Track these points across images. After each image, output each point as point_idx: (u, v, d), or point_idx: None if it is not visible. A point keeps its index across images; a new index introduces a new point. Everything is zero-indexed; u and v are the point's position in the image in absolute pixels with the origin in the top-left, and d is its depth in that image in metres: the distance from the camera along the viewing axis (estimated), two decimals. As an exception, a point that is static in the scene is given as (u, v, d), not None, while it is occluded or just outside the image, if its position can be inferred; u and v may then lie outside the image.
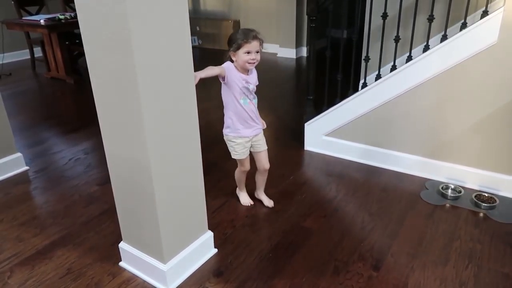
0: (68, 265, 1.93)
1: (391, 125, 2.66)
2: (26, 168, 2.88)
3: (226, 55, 2.05)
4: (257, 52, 1.98)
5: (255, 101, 2.14)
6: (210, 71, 1.95)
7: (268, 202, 2.37)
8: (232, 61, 2.03)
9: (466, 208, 2.29)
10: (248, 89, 2.06)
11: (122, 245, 1.89)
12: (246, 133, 2.13)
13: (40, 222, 2.28)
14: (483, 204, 2.27)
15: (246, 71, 2.05)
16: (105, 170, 1.75)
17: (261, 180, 2.36)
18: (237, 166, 2.29)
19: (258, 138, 2.19)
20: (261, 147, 2.22)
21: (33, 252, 2.02)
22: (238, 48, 1.96)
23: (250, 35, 1.95)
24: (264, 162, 2.25)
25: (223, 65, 2.02)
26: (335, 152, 2.94)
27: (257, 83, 2.15)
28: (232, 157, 2.19)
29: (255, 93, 2.14)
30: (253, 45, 1.95)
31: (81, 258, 1.98)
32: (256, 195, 2.43)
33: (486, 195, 2.35)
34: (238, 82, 2.02)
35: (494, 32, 2.15)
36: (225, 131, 2.16)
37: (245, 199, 2.39)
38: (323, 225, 2.20)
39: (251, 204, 2.37)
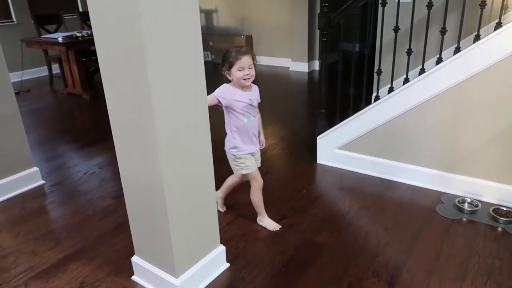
0: (82, 279, 1.94)
1: (405, 138, 2.63)
2: (43, 182, 2.93)
3: (223, 77, 2.07)
4: (250, 67, 2.00)
5: (259, 115, 2.16)
6: None
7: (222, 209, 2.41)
8: (229, 81, 2.05)
9: (484, 222, 2.24)
10: (252, 105, 2.07)
11: (135, 259, 1.90)
12: (251, 149, 2.15)
13: (55, 236, 2.30)
14: (502, 218, 2.22)
15: (245, 87, 2.06)
16: (119, 184, 1.77)
17: (232, 186, 2.38)
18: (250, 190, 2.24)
19: (258, 154, 2.23)
20: (258, 163, 2.24)
21: (48, 266, 2.04)
22: (231, 66, 1.99)
23: (240, 51, 1.99)
24: (257, 177, 2.24)
25: (214, 93, 2.02)
26: (348, 165, 2.92)
27: (259, 100, 2.16)
28: (243, 173, 2.17)
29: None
30: (244, 60, 1.98)
31: (94, 272, 1.99)
32: (220, 197, 2.41)
33: (505, 209, 2.29)
34: (242, 100, 2.03)
35: (508, 44, 2.12)
36: (231, 151, 2.14)
37: (272, 224, 2.28)
38: (337, 240, 2.17)
39: (279, 228, 2.27)
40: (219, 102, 2.03)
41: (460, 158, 2.47)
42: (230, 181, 2.35)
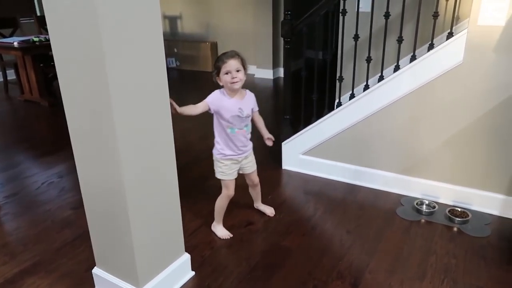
0: (39, 294, 1.86)
1: (366, 143, 2.71)
2: (-4, 193, 2.79)
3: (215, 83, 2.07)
4: (238, 71, 1.98)
5: (247, 128, 2.11)
6: (192, 110, 1.97)
7: (269, 211, 2.46)
8: (222, 86, 2.05)
9: (441, 223, 2.34)
10: (239, 117, 2.04)
11: (96, 270, 1.84)
12: (233, 156, 2.12)
13: (10, 249, 2.19)
14: (457, 218, 2.32)
15: (236, 93, 2.05)
16: (79, 193, 1.71)
17: (255, 193, 2.45)
18: (218, 195, 2.21)
19: (247, 161, 2.20)
20: (250, 168, 2.25)
21: (2, 281, 1.94)
22: (219, 71, 1.99)
23: (226, 55, 1.98)
24: (253, 178, 2.32)
25: (206, 100, 2.02)
26: (313, 170, 2.97)
27: (257, 108, 2.17)
28: (217, 176, 2.16)
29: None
30: (230, 63, 1.96)
31: (53, 286, 1.91)
32: (256, 207, 2.49)
33: (459, 209, 2.41)
34: (230, 109, 2.02)
35: (459, 53, 2.25)
36: (214, 151, 2.15)
37: (222, 232, 2.26)
38: (302, 244, 2.20)
39: (230, 237, 2.24)
40: (209, 108, 2.02)
41: (417, 161, 2.57)
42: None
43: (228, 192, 2.18)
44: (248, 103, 2.10)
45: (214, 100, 2.02)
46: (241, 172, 2.23)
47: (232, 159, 2.12)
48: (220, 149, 2.11)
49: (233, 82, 1.98)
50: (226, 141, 2.08)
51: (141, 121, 1.54)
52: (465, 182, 2.46)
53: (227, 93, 2.04)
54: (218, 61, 2.00)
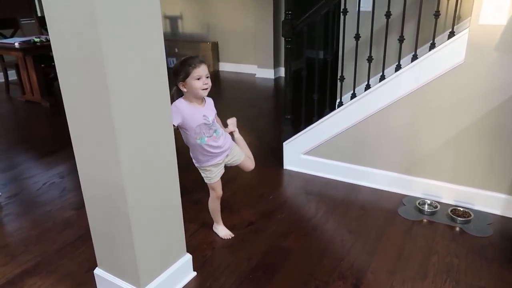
0: (40, 295, 1.86)
1: (367, 142, 2.70)
2: (-2, 194, 2.79)
3: (172, 92, 1.85)
4: (207, 77, 1.90)
5: (216, 133, 2.01)
6: None
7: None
8: (181, 95, 1.94)
9: (443, 223, 2.33)
10: (205, 124, 1.95)
11: (97, 271, 1.84)
12: (213, 161, 2.06)
13: (11, 250, 2.19)
14: (459, 218, 2.32)
15: (200, 100, 1.96)
16: (81, 194, 1.71)
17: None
18: (209, 197, 2.21)
19: (229, 158, 2.13)
20: (238, 160, 2.18)
21: (3, 282, 1.94)
22: (187, 76, 1.86)
23: (196, 60, 1.88)
24: (246, 167, 2.24)
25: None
26: (314, 170, 2.96)
27: (215, 112, 2.06)
28: (205, 181, 2.14)
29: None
30: (202, 69, 1.87)
31: (54, 286, 1.91)
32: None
33: (461, 209, 2.40)
34: (195, 118, 1.92)
35: (461, 52, 2.24)
36: (194, 161, 2.12)
37: (224, 231, 2.26)
38: (303, 245, 2.19)
39: (232, 237, 2.25)
40: (174, 126, 1.89)
41: (419, 161, 2.57)
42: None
43: (216, 193, 2.17)
44: (210, 108, 2.01)
45: (175, 115, 1.86)
46: (229, 165, 2.18)
47: (213, 164, 2.07)
48: (197, 159, 2.07)
49: (205, 89, 1.89)
50: (199, 151, 2.01)
51: (142, 121, 1.53)
52: (467, 182, 2.45)
53: (189, 101, 1.93)
54: (186, 65, 1.86)
